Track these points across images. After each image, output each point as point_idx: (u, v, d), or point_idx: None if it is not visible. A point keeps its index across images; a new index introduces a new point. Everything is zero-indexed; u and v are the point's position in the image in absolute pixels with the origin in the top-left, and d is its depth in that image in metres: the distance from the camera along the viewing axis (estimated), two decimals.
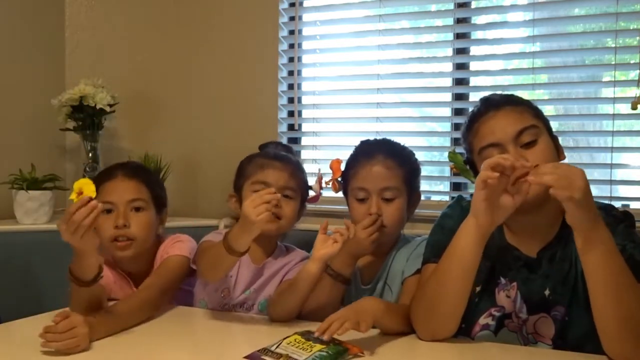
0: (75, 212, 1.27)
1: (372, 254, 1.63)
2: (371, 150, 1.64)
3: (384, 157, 1.60)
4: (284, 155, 1.72)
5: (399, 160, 1.62)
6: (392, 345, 1.33)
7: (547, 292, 1.35)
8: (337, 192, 1.71)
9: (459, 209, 1.46)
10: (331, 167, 1.71)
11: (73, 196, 1.34)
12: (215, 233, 1.68)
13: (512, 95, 1.43)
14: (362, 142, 1.72)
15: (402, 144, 1.72)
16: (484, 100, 1.42)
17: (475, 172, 1.38)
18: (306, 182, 1.74)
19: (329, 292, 1.52)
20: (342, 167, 1.71)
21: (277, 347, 1.09)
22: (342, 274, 1.52)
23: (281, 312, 1.52)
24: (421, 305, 1.34)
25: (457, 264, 1.29)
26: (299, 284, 1.49)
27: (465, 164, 1.47)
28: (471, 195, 1.46)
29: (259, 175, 1.64)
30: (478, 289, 1.39)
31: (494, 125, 1.33)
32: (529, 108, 1.37)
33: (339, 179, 1.71)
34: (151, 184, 1.72)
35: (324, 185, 1.75)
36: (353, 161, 1.67)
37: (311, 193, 1.77)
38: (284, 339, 1.09)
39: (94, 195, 1.35)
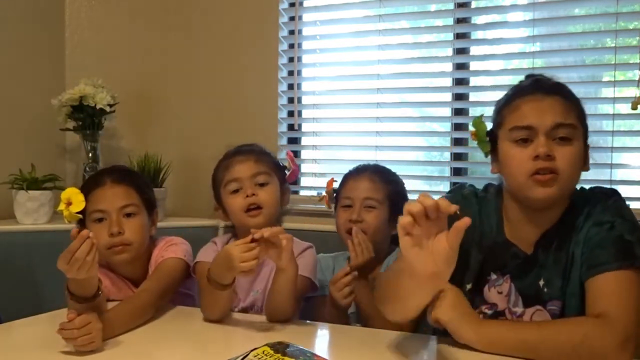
0: (77, 250, 1.26)
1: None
2: (361, 168, 1.81)
3: (371, 173, 1.77)
4: (243, 147, 1.72)
5: (385, 178, 1.76)
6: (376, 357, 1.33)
7: (541, 283, 1.32)
8: (329, 207, 1.84)
9: (459, 196, 1.42)
10: (327, 184, 1.86)
11: (62, 207, 1.32)
12: (209, 246, 1.68)
13: (565, 86, 1.36)
14: (356, 166, 1.86)
15: (394, 171, 1.85)
16: (535, 80, 1.36)
17: (493, 147, 1.35)
18: (277, 162, 1.74)
19: (333, 318, 1.58)
20: (335, 185, 1.85)
21: (243, 359, 1.08)
22: (340, 304, 1.58)
23: (272, 313, 1.51)
24: (379, 292, 1.31)
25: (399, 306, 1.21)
26: (277, 289, 1.47)
27: (487, 135, 1.40)
28: (469, 186, 1.46)
29: (227, 176, 1.66)
30: (469, 286, 1.37)
31: (536, 108, 1.28)
32: (576, 107, 1.32)
33: (334, 195, 1.83)
34: (140, 187, 1.71)
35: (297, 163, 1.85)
36: (344, 178, 1.81)
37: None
38: (252, 350, 1.07)
39: (83, 205, 1.34)
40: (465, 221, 0.99)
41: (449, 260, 1.02)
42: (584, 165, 1.34)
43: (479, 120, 1.42)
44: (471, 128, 1.45)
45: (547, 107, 1.28)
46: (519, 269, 1.35)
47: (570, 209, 1.32)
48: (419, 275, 1.04)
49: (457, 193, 1.45)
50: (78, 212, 1.35)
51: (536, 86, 1.34)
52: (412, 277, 1.06)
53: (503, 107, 1.36)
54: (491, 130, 1.38)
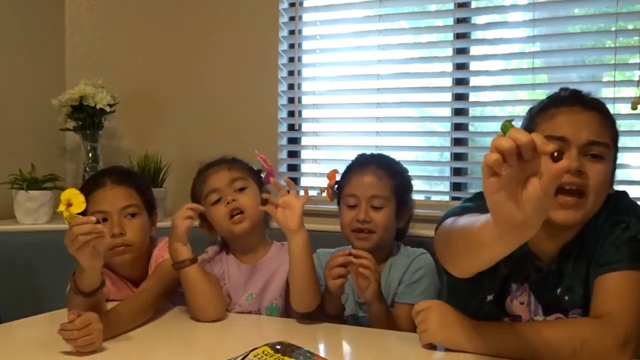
0: (76, 226, 1.27)
1: None
2: (364, 161, 1.73)
3: (376, 167, 1.69)
4: (215, 159, 1.73)
5: (390, 171, 1.70)
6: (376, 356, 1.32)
7: (559, 290, 1.30)
8: (331, 200, 1.76)
9: (483, 204, 1.32)
10: (328, 177, 1.76)
11: (61, 208, 1.32)
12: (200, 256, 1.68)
13: (604, 104, 1.32)
14: (359, 155, 1.80)
15: (397, 160, 1.80)
16: (575, 92, 1.33)
17: None
18: (250, 167, 1.74)
19: (326, 303, 1.57)
20: (338, 177, 1.76)
21: (243, 359, 1.08)
22: (327, 311, 1.57)
23: (295, 300, 1.52)
24: (445, 251, 1.21)
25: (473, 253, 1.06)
26: (293, 268, 1.49)
27: None
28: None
29: (206, 188, 1.66)
30: (490, 297, 1.34)
31: (572, 120, 1.25)
32: (612, 128, 1.29)
33: (335, 188, 1.75)
34: (140, 187, 1.72)
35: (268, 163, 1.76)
36: (347, 171, 1.75)
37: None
38: (252, 350, 1.08)
39: (83, 206, 1.34)
40: (565, 164, 0.82)
41: (541, 208, 0.85)
42: (610, 187, 1.30)
43: (508, 124, 1.36)
44: (498, 132, 1.41)
45: (584, 121, 1.25)
46: (539, 280, 1.33)
47: (590, 219, 1.29)
48: (504, 223, 0.89)
49: (478, 200, 1.35)
50: (78, 213, 1.35)
51: (575, 98, 1.30)
52: (496, 225, 0.91)
53: (537, 114, 1.32)
54: None
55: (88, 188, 1.65)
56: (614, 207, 1.28)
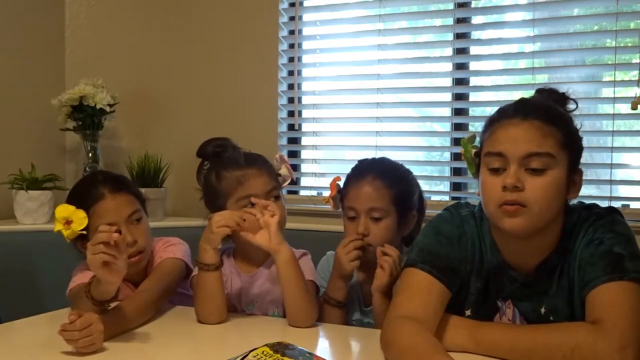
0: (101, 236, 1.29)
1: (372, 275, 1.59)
2: (363, 170, 1.66)
3: (373, 177, 1.62)
4: (251, 157, 1.63)
5: (390, 181, 1.62)
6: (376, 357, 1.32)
7: (543, 310, 1.29)
8: (337, 209, 1.72)
9: (457, 216, 1.37)
10: (330, 187, 1.72)
11: (59, 227, 1.30)
12: None
13: (551, 109, 1.26)
14: (359, 161, 1.73)
15: (399, 163, 1.73)
16: (518, 102, 1.30)
17: (478, 169, 1.31)
18: (274, 171, 1.67)
19: (327, 318, 1.56)
20: (341, 183, 1.73)
21: (242, 359, 1.08)
22: (335, 298, 1.58)
23: (293, 314, 1.49)
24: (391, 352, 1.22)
25: None
26: (282, 284, 1.47)
27: (476, 156, 1.34)
28: (466, 204, 1.41)
29: (240, 191, 1.56)
30: (468, 312, 1.34)
31: (509, 135, 1.22)
32: (559, 132, 1.22)
33: (339, 196, 1.71)
34: (134, 190, 1.70)
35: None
36: (347, 180, 1.69)
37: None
38: (251, 350, 1.08)
39: (85, 222, 1.32)
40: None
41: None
42: (570, 192, 1.26)
43: (465, 141, 1.38)
44: (461, 148, 1.42)
45: (521, 133, 1.21)
46: (518, 293, 1.32)
47: (569, 233, 1.28)
48: None
49: (455, 214, 1.38)
50: (81, 230, 1.33)
51: (516, 109, 1.26)
52: None
53: (485, 130, 1.30)
54: (477, 152, 1.33)
55: (85, 202, 1.54)
56: (591, 227, 1.26)
